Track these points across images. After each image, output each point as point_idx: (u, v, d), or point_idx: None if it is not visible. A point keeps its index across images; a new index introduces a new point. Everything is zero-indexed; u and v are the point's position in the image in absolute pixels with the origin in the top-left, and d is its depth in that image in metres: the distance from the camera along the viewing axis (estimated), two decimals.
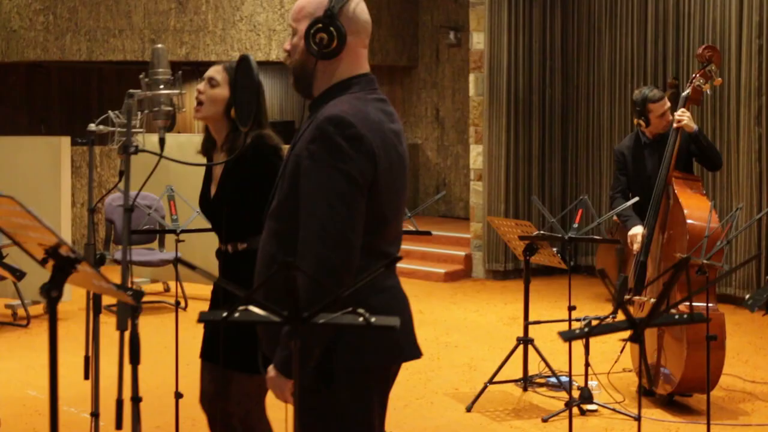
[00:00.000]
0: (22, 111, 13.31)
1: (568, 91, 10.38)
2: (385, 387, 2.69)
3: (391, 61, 13.10)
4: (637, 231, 5.58)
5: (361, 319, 2.12)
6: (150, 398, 5.65)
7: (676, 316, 2.37)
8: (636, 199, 5.57)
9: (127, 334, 2.70)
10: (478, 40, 10.24)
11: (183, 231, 4.41)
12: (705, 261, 4.53)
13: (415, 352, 2.71)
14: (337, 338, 2.48)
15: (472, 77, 10.35)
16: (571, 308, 5.14)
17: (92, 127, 3.31)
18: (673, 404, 5.59)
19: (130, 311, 2.66)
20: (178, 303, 4.24)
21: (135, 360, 2.68)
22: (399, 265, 9.29)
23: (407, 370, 6.45)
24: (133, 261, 8.43)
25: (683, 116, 5.49)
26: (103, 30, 11.49)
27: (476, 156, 10.37)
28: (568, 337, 2.20)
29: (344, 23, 2.59)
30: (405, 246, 10.72)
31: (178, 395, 4.29)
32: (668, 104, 5.72)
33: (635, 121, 5.82)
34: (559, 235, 5.31)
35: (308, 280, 2.42)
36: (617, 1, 9.79)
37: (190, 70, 12.91)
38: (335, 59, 2.60)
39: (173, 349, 4.46)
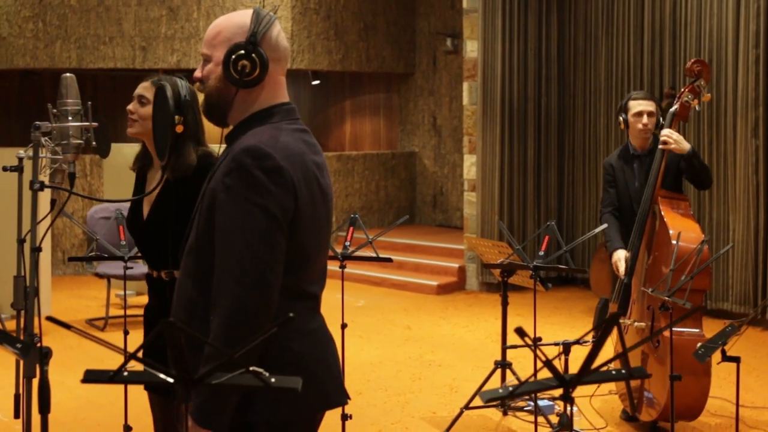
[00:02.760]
0: (14, 119, 13.17)
1: (564, 100, 10.18)
2: None
3: (387, 68, 12.92)
4: (620, 255, 5.38)
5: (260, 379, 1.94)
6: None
7: (613, 372, 2.18)
8: (604, 225, 5.36)
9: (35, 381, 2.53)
10: (471, 48, 10.05)
11: (131, 258, 4.25)
12: (667, 297, 4.31)
13: (341, 398, 2.54)
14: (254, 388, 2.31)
15: (465, 86, 10.16)
16: (536, 339, 4.93)
17: (21, 153, 3.14)
18: (657, 431, 5.39)
19: (38, 357, 2.48)
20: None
21: (45, 410, 2.51)
22: (391, 276, 9.10)
23: (386, 392, 6.29)
24: (114, 275, 8.31)
25: (669, 138, 5.24)
26: (93, 37, 11.34)
27: (470, 166, 10.18)
28: (488, 398, 2.01)
29: (266, 50, 2.42)
30: (398, 257, 10.58)
31: (127, 428, 4.12)
32: (649, 107, 5.44)
33: (620, 120, 5.58)
34: (525, 264, 5.12)
35: (223, 322, 2.26)
36: (613, 9, 9.58)
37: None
38: (255, 88, 2.44)
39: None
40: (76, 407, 5.89)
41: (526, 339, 1.90)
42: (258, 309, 2.26)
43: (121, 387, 5.66)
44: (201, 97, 2.53)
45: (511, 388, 2.04)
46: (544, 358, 1.98)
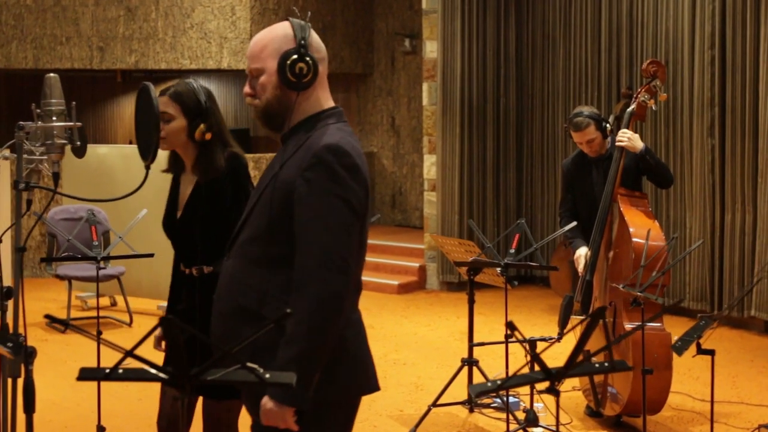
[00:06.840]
0: None
1: (523, 100, 10.29)
2: (354, 418, 2.71)
3: (346, 69, 12.94)
4: (581, 253, 5.48)
5: (256, 374, 1.97)
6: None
7: (597, 365, 2.24)
8: (574, 224, 5.45)
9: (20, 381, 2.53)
10: (431, 49, 10.12)
11: (104, 258, 4.24)
12: (640, 293, 4.41)
13: (377, 384, 2.75)
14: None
15: (425, 86, 10.23)
16: (508, 336, 5.00)
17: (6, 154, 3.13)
18: (621, 425, 5.49)
19: (23, 356, 2.49)
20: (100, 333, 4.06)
21: (29, 409, 2.51)
22: None
23: None
24: (76, 276, 8.25)
25: (624, 137, 5.36)
26: (50, 37, 11.23)
27: (430, 166, 10.25)
28: (478, 391, 2.06)
29: (313, 52, 2.61)
30: None
31: (101, 429, 4.12)
32: (586, 137, 5.55)
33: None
34: (496, 261, 5.19)
35: (313, 305, 2.42)
36: (571, 10, 9.71)
37: (141, 77, 12.68)
38: (310, 89, 2.61)
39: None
40: (40, 409, 5.80)
41: (516, 333, 1.95)
42: (342, 293, 2.47)
43: (87, 390, 5.63)
44: (252, 110, 2.66)
45: (499, 382, 2.09)
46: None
